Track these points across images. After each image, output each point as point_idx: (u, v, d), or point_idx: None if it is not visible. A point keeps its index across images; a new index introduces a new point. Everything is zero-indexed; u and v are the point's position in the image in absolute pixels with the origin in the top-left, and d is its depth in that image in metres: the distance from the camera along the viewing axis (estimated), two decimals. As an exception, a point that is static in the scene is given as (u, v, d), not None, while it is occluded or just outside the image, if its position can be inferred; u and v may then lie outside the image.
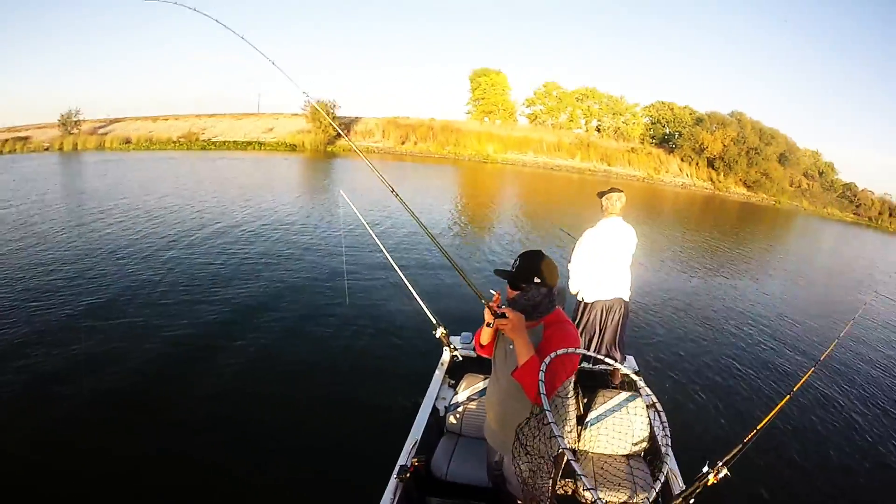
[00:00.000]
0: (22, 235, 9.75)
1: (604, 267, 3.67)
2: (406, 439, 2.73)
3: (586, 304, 3.79)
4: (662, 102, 53.75)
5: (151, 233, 9.77)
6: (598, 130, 49.36)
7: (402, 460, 2.57)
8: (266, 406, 4.16)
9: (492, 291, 1.98)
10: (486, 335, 2.10)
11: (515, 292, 1.94)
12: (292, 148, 33.29)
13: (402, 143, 33.23)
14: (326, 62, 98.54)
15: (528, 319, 1.89)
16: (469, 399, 3.01)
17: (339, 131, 3.99)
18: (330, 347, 5.27)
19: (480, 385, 3.02)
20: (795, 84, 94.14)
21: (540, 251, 1.99)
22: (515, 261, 1.97)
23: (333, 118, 34.10)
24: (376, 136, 33.87)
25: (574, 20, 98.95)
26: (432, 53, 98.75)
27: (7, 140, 46.10)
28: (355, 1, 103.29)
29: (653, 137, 51.73)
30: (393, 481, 2.45)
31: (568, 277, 3.72)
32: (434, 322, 3.39)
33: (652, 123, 52.47)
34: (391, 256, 3.91)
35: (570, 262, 3.74)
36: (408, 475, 2.47)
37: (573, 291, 3.78)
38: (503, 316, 1.84)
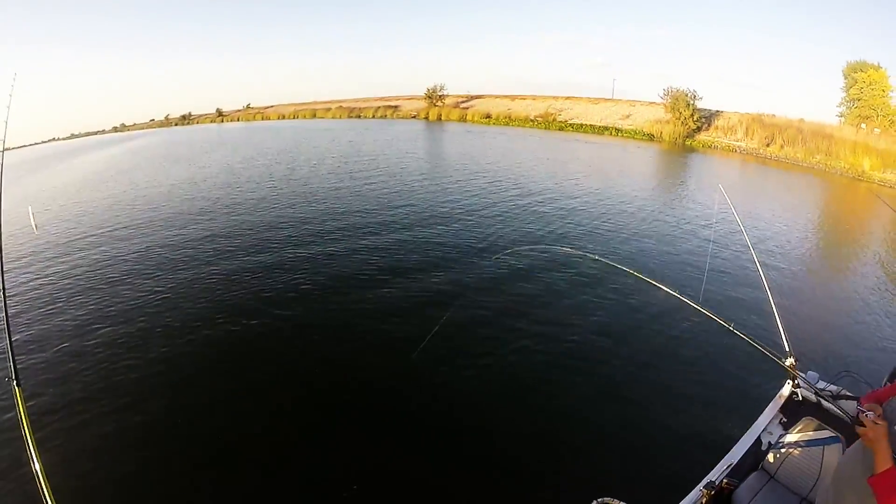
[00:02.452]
0: (395, 183, 13.55)
1: None
2: (720, 458, 2.68)
3: None
4: None
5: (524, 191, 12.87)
6: None
7: (712, 476, 2.51)
8: (592, 384, 4.73)
9: None
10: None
11: None
12: (650, 137, 35.32)
13: (767, 144, 32.29)
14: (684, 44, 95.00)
15: None
16: (798, 445, 2.64)
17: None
18: (668, 341, 5.26)
19: (814, 434, 2.60)
20: None
21: None
22: None
23: (693, 110, 35.24)
24: (738, 133, 33.56)
25: None
26: (800, 37, 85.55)
27: (380, 108, 59.66)
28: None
29: None
30: (696, 492, 2.39)
31: None
32: (787, 349, 3.03)
33: None
34: (760, 265, 3.70)
35: None
36: (713, 493, 2.40)
37: None
38: (860, 424, 1.71)
